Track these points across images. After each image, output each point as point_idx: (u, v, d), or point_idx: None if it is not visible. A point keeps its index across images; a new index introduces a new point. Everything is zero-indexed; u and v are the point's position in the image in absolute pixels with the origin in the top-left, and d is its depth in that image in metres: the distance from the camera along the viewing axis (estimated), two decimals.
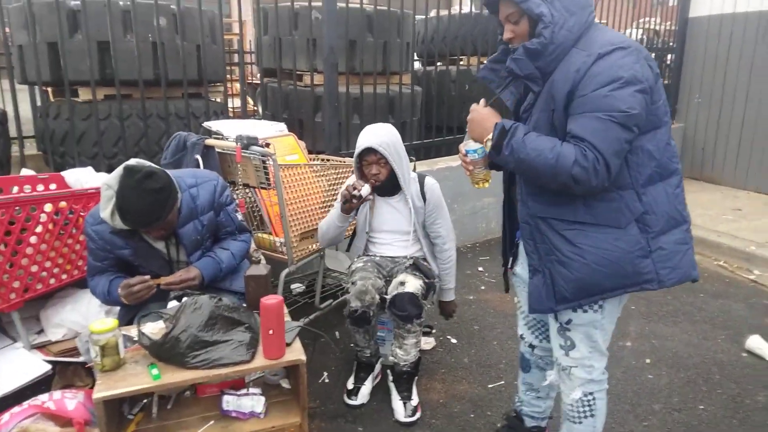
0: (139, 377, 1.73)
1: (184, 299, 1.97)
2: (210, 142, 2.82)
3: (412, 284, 2.41)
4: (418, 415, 2.45)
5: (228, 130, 3.09)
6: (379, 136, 2.47)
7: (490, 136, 1.57)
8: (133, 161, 2.05)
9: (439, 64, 5.38)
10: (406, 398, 2.48)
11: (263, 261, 2.72)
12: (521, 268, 1.94)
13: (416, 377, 2.61)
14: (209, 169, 2.71)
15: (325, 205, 3.05)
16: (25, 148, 3.56)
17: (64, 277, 2.51)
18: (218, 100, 4.16)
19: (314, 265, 3.47)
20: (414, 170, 2.80)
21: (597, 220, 1.56)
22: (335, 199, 3.10)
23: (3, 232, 2.24)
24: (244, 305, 2.09)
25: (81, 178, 2.79)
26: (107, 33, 3.29)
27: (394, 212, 2.63)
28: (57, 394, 2.07)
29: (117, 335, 1.76)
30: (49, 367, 2.33)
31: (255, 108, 6.45)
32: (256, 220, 3.20)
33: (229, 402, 1.90)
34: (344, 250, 3.06)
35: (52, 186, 2.74)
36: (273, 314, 1.80)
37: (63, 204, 2.46)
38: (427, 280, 2.52)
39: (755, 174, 5.76)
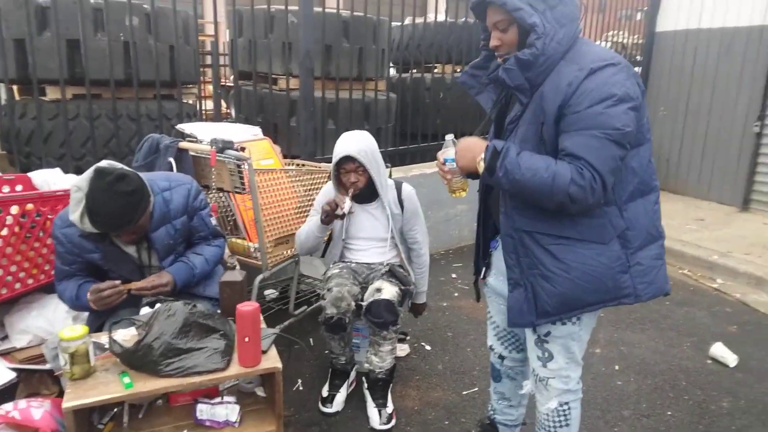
0: (110, 386, 1.68)
1: (157, 305, 1.92)
2: (184, 145, 2.77)
3: (389, 291, 2.41)
4: (393, 422, 2.45)
5: (202, 133, 3.05)
6: (357, 143, 2.46)
7: (482, 157, 1.54)
8: (104, 163, 2.00)
9: (413, 71, 5.41)
10: (381, 405, 2.47)
11: (238, 267, 2.69)
12: (494, 279, 1.93)
13: (391, 384, 2.61)
14: (183, 173, 2.66)
15: (300, 210, 3.03)
16: None
17: (30, 281, 2.43)
18: (190, 102, 4.10)
19: (288, 270, 3.44)
20: (390, 177, 2.81)
21: (582, 235, 1.56)
22: (311, 205, 3.09)
23: None
24: (219, 312, 2.06)
25: (49, 179, 2.71)
26: (77, 31, 3.21)
27: (372, 219, 2.63)
28: (22, 403, 2.00)
29: (87, 342, 1.71)
30: (14, 374, 2.25)
31: (228, 111, 6.39)
32: (229, 225, 3.16)
33: (203, 411, 1.87)
34: (319, 257, 3.04)
35: (18, 187, 2.65)
36: (249, 321, 1.77)
37: (30, 206, 2.38)
38: (402, 287, 2.52)
39: (717, 185, 5.94)
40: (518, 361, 2.06)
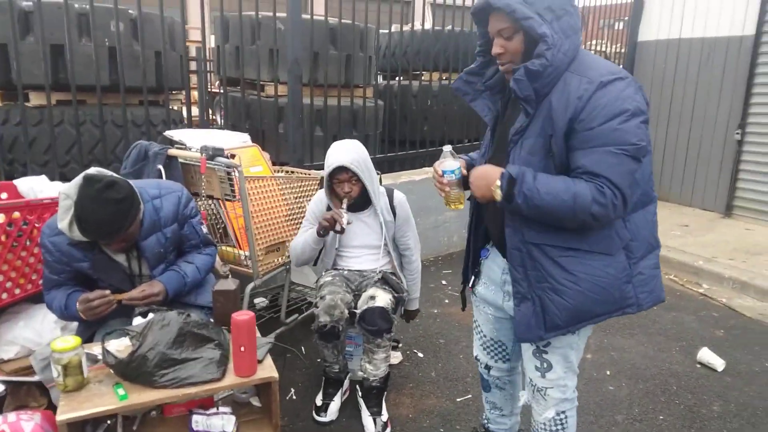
0: (104, 397, 1.65)
1: (150, 315, 1.89)
2: (174, 152, 2.74)
3: (382, 298, 2.40)
4: (388, 430, 2.43)
5: (191, 140, 3.02)
6: (350, 153, 2.45)
7: (498, 184, 1.50)
8: (93, 170, 1.96)
9: (400, 78, 5.42)
10: (375, 414, 2.45)
11: (230, 276, 2.65)
12: (484, 288, 1.91)
13: (385, 392, 2.59)
14: (172, 180, 2.63)
15: (290, 217, 3.01)
16: None
17: (17, 291, 2.37)
18: (175, 108, 4.06)
19: (277, 278, 3.41)
20: (380, 184, 2.80)
21: (591, 247, 1.54)
22: (301, 212, 3.07)
23: None
24: (211, 320, 2.03)
25: (35, 186, 2.66)
26: (61, 36, 3.17)
27: (364, 227, 2.62)
28: (12, 416, 1.95)
29: (80, 354, 1.67)
30: (2, 387, 2.19)
31: (213, 117, 6.33)
32: (218, 233, 3.12)
33: (199, 422, 1.83)
34: (311, 264, 3.02)
35: (3, 195, 2.60)
36: (244, 331, 1.75)
37: (17, 214, 2.32)
38: (396, 294, 2.52)
39: (700, 191, 6.03)
40: (505, 371, 2.04)
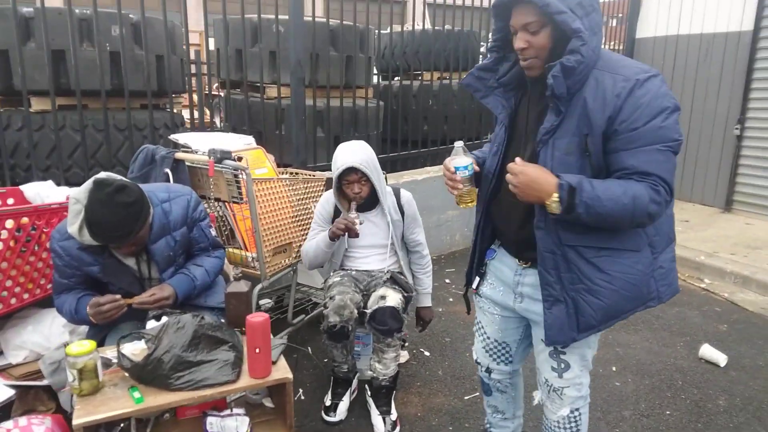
0: (119, 401, 1.66)
1: (164, 318, 1.90)
2: (181, 155, 2.75)
3: (393, 298, 2.41)
4: (398, 429, 2.45)
5: (196, 143, 3.02)
6: (358, 154, 2.46)
7: (556, 198, 1.43)
8: (102, 174, 1.97)
9: (398, 78, 5.43)
10: (385, 413, 2.47)
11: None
12: (490, 289, 1.87)
13: (394, 391, 2.60)
14: (179, 183, 2.64)
15: (297, 219, 3.02)
16: None
17: (25, 296, 2.38)
18: (174, 111, 4.06)
19: (281, 279, 3.42)
20: (386, 183, 2.81)
21: (622, 244, 1.54)
22: (306, 214, 3.08)
23: None
24: (222, 321, 2.04)
25: (41, 192, 2.67)
26: (61, 41, 3.17)
27: (372, 226, 2.63)
28: (23, 420, 1.96)
29: (95, 358, 1.69)
30: (13, 392, 2.20)
31: (212, 120, 6.33)
32: (224, 235, 3.13)
33: (213, 424, 1.85)
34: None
35: (10, 200, 2.61)
36: (259, 332, 1.76)
37: (25, 220, 2.33)
38: (405, 294, 2.53)
39: (700, 187, 6.06)
40: (506, 374, 2.01)
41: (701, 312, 3.77)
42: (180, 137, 3.10)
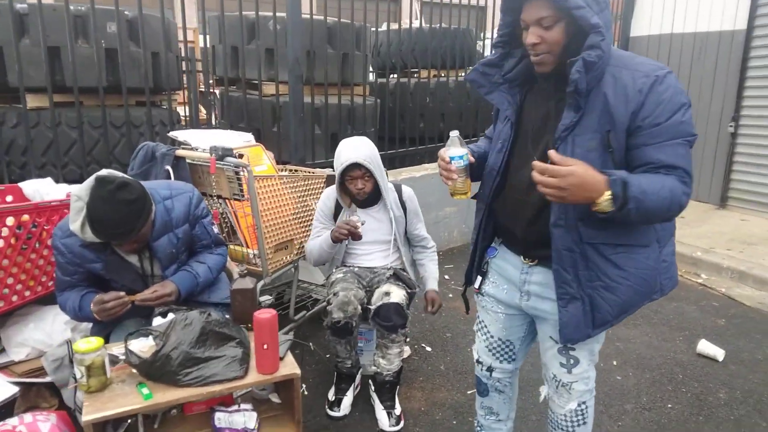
0: (128, 397, 1.65)
1: (171, 315, 1.90)
2: (182, 152, 2.73)
3: (397, 294, 2.41)
4: (402, 424, 2.45)
5: (196, 141, 3.02)
6: (361, 150, 2.46)
7: (608, 195, 1.37)
8: (104, 171, 1.96)
9: (394, 76, 5.43)
10: (389, 408, 2.47)
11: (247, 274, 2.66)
12: (493, 287, 1.84)
13: (398, 386, 2.61)
14: (180, 181, 2.63)
15: (297, 216, 3.02)
16: None
17: (27, 293, 2.37)
18: (167, 107, 4.05)
19: (281, 276, 3.41)
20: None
21: (636, 240, 1.54)
22: (307, 211, 3.07)
23: None
24: (227, 317, 2.04)
25: (40, 189, 2.66)
26: (56, 38, 3.15)
27: (374, 222, 2.63)
28: (28, 417, 1.95)
29: (103, 354, 1.68)
30: (16, 389, 2.20)
31: (208, 117, 6.30)
32: (225, 231, 3.12)
33: (221, 419, 1.84)
34: None
35: (9, 198, 2.59)
36: (267, 329, 1.75)
37: (26, 217, 2.32)
38: (409, 290, 2.53)
39: (695, 183, 6.04)
40: (508, 373, 1.98)
41: (699, 307, 3.80)
42: (179, 134, 3.08)
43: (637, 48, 6.54)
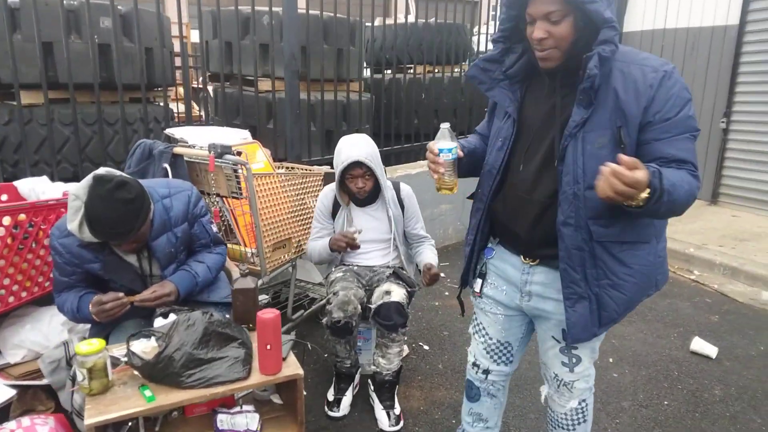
0: (130, 399, 1.63)
1: (172, 316, 1.88)
2: (180, 150, 2.71)
3: (397, 293, 2.41)
4: (401, 423, 2.46)
5: (193, 138, 2.99)
6: (363, 148, 2.45)
7: (648, 191, 1.33)
8: (102, 170, 1.94)
9: (388, 72, 5.41)
10: (389, 407, 2.47)
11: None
12: (493, 289, 1.82)
13: (397, 386, 2.61)
14: (178, 179, 2.61)
15: (295, 214, 3.01)
16: None
17: (24, 294, 2.34)
18: (161, 104, 4.01)
19: (277, 275, 3.40)
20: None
21: (640, 237, 1.55)
22: (303, 209, 3.06)
23: None
24: (228, 317, 2.03)
25: (36, 187, 2.62)
26: (48, 33, 3.10)
27: (372, 221, 2.63)
28: (26, 420, 1.94)
29: (105, 356, 1.66)
30: (14, 392, 2.17)
31: (199, 114, 6.26)
32: (222, 229, 3.10)
33: (224, 421, 1.83)
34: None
35: (4, 197, 2.56)
36: (270, 329, 1.74)
37: (22, 216, 2.29)
38: (409, 289, 2.53)
39: None
40: (504, 375, 1.96)
41: (692, 303, 3.83)
42: (176, 131, 3.06)
43: (630, 43, 6.54)
